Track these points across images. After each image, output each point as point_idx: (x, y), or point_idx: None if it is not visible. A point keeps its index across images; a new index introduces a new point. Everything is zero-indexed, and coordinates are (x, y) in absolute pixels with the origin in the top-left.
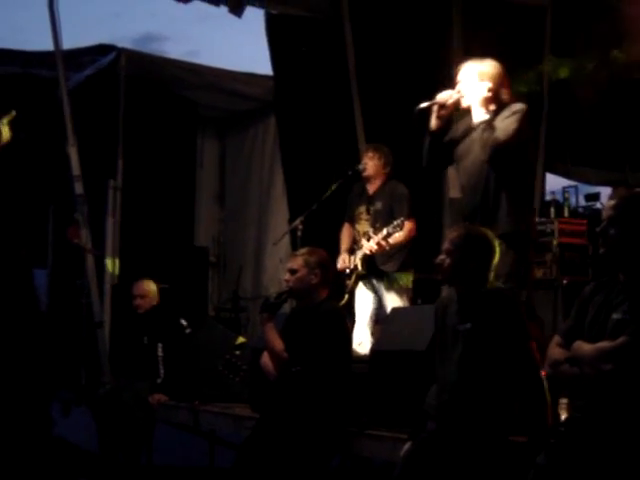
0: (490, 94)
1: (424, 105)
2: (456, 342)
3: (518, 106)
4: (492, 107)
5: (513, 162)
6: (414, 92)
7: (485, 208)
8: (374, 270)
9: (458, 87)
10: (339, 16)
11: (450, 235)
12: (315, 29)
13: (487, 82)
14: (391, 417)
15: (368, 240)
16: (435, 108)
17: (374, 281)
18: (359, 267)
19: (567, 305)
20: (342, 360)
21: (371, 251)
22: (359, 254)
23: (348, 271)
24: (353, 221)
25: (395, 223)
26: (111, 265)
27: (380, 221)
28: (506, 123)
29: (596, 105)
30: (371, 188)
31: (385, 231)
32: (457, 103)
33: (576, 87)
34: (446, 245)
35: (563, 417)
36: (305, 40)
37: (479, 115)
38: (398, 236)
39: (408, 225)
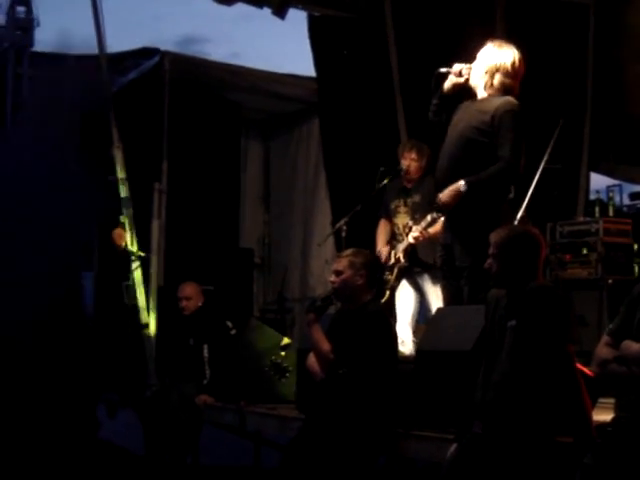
0: (497, 83)
1: (443, 70)
2: (503, 339)
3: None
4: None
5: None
6: None
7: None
8: (417, 262)
9: (472, 64)
10: (382, 16)
11: (494, 238)
12: (358, 30)
13: (499, 72)
14: (436, 418)
15: (410, 230)
16: (452, 75)
17: (417, 276)
18: (402, 259)
19: (612, 305)
20: (388, 361)
21: (415, 239)
22: (400, 247)
23: (392, 262)
24: (390, 216)
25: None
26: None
27: (419, 213)
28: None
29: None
30: (409, 183)
31: (429, 217)
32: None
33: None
34: (492, 249)
35: (610, 417)
36: (348, 41)
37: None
38: (439, 225)
39: None
